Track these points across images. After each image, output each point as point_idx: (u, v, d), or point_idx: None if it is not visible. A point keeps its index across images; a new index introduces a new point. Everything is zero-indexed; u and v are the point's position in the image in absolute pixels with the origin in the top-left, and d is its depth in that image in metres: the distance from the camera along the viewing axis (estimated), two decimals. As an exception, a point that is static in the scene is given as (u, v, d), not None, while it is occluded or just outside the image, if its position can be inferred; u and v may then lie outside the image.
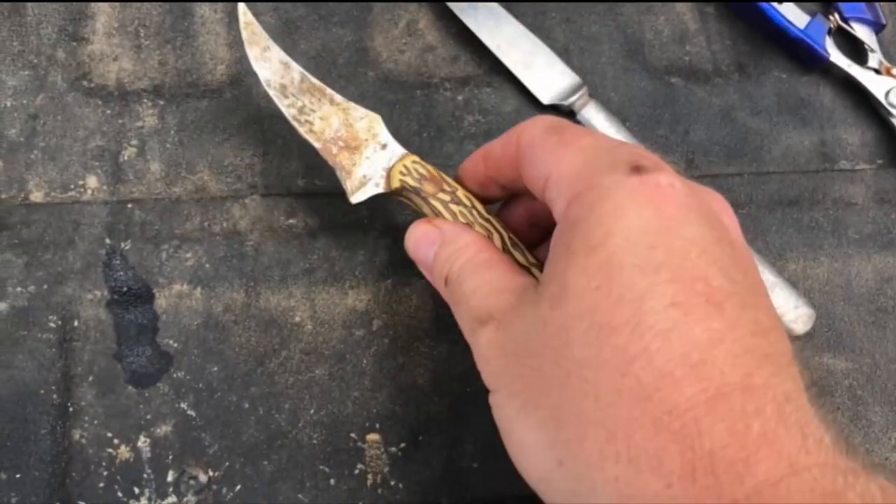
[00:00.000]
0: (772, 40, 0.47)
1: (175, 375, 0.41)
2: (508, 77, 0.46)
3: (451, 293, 0.33)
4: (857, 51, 0.47)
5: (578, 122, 0.44)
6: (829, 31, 0.47)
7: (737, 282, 0.25)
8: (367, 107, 0.45)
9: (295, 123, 0.39)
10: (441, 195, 0.38)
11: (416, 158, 0.39)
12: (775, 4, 0.46)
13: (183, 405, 0.40)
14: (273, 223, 0.42)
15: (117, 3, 0.46)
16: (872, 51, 0.47)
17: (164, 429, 0.40)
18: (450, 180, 0.38)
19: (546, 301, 0.27)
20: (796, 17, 0.47)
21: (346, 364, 0.41)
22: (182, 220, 0.42)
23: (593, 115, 0.44)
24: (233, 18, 0.46)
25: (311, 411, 0.41)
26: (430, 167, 0.38)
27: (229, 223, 0.43)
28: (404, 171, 0.38)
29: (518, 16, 0.47)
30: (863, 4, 0.47)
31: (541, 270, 0.35)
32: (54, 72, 0.44)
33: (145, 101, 0.44)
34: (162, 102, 0.44)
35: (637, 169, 0.27)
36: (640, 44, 0.47)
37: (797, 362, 0.25)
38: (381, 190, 0.39)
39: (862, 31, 0.47)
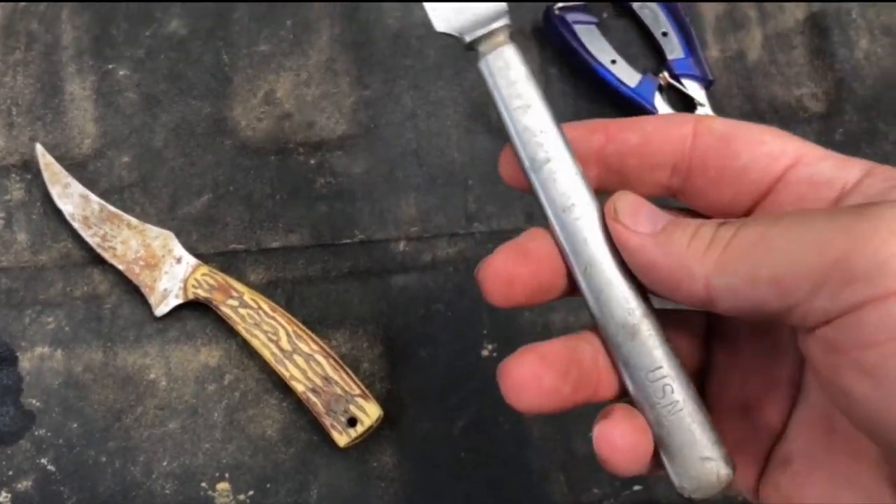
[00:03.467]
0: (608, 98, 0.51)
1: (37, 433, 0.44)
2: (360, 139, 0.50)
3: None
4: (688, 106, 0.51)
5: (481, 72, 0.28)
6: (660, 89, 0.50)
7: None
8: (223, 173, 0.49)
9: (100, 251, 0.45)
10: (230, 301, 0.44)
11: (207, 270, 0.45)
12: (608, 65, 0.50)
13: (43, 460, 0.43)
14: (129, 286, 0.46)
15: (-9, 84, 0.49)
16: (701, 105, 0.51)
17: (24, 484, 0.43)
18: (238, 286, 0.44)
19: None
20: (629, 75, 0.50)
21: (198, 417, 0.45)
22: (46, 286, 0.46)
23: (503, 67, 0.27)
24: (100, 94, 0.50)
25: (165, 463, 0.44)
26: (218, 276, 0.44)
27: (89, 287, 0.46)
28: (196, 283, 0.44)
29: (369, 84, 0.51)
30: (690, 61, 0.51)
31: (326, 356, 0.43)
32: (-71, 151, 0.48)
33: (13, 175, 0.48)
34: (29, 176, 0.48)
35: None
36: (485, 106, 0.51)
37: None
38: (180, 300, 0.45)
39: (692, 87, 0.51)
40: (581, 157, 0.27)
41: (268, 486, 0.44)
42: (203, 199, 0.48)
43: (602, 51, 0.51)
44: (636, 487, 0.45)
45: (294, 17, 0.52)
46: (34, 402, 0.44)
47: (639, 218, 0.25)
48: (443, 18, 0.28)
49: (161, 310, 0.45)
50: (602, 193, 0.27)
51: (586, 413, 0.46)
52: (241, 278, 0.46)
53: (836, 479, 0.25)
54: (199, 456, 0.44)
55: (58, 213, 0.46)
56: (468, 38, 0.27)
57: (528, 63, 0.27)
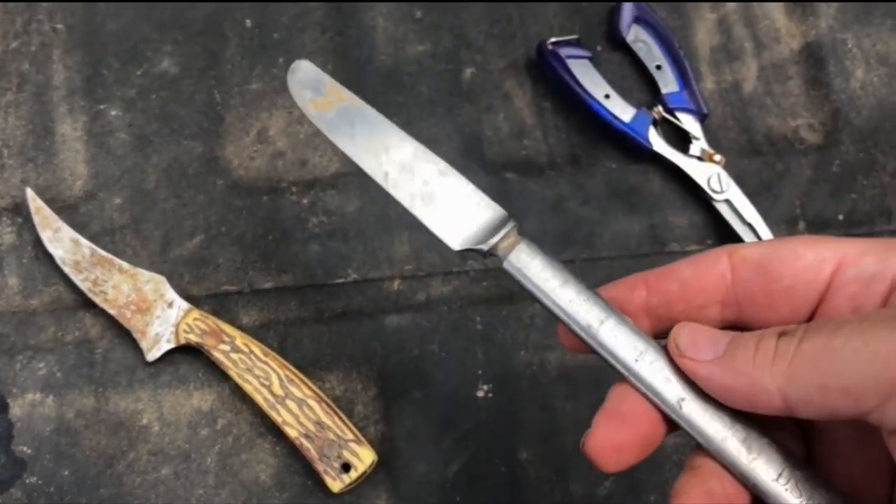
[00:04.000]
0: (602, 132, 0.51)
1: (28, 481, 0.44)
2: (353, 178, 0.49)
3: None
4: (683, 139, 0.51)
5: (507, 272, 0.30)
6: (655, 123, 0.50)
7: None
8: (215, 214, 0.48)
9: (91, 295, 0.45)
10: (221, 346, 0.44)
11: (198, 314, 0.44)
12: (602, 99, 0.50)
13: (35, 509, 0.43)
14: (121, 330, 0.45)
15: (-17, 126, 0.49)
16: (696, 138, 0.50)
17: (15, 533, 0.43)
18: (229, 330, 0.44)
19: None
20: (622, 110, 0.50)
21: (191, 463, 0.44)
22: (37, 331, 0.46)
23: (526, 261, 0.30)
24: (92, 135, 0.49)
25: (157, 510, 0.43)
26: (210, 320, 0.44)
27: (81, 332, 0.46)
28: (187, 328, 0.44)
29: (361, 120, 0.51)
30: (685, 94, 0.51)
31: (319, 400, 0.43)
32: (-80, 195, 0.48)
33: (4, 219, 0.48)
34: (20, 220, 0.47)
35: None
36: (479, 141, 0.51)
37: None
38: (172, 345, 0.44)
39: (687, 121, 0.51)
40: (630, 314, 0.29)
41: (261, 532, 0.44)
42: (195, 241, 0.48)
43: (596, 85, 0.51)
44: (635, 529, 0.45)
45: (286, 55, 0.52)
46: (25, 449, 0.44)
47: (699, 347, 0.26)
48: (458, 239, 0.32)
49: (153, 354, 0.44)
50: (659, 340, 0.29)
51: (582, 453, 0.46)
52: (233, 320, 0.46)
53: None
54: (192, 502, 0.44)
55: (49, 257, 0.46)
56: (486, 248, 0.31)
57: (544, 250, 0.30)
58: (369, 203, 0.49)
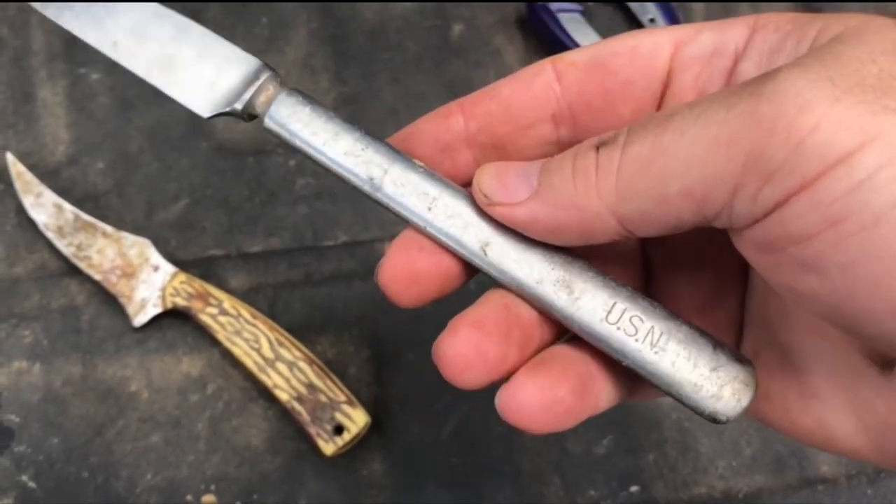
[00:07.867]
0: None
1: (16, 450, 0.43)
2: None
3: None
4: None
5: (269, 131, 0.25)
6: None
7: None
8: (199, 176, 0.48)
9: (76, 261, 0.44)
10: (209, 309, 0.43)
11: (185, 277, 0.44)
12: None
13: (24, 478, 0.43)
14: (107, 296, 0.45)
15: (-40, 93, 0.49)
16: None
17: (5, 502, 0.42)
18: (217, 293, 0.44)
19: None
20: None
21: (182, 429, 0.44)
22: (21, 299, 0.45)
23: (288, 113, 0.25)
24: (73, 100, 0.49)
25: (148, 477, 0.43)
26: (197, 283, 0.44)
27: (66, 299, 0.45)
28: (174, 292, 0.43)
29: (348, 79, 0.50)
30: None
31: (310, 362, 0.43)
32: None
33: (-15, 185, 0.47)
34: (2, 186, 0.47)
35: None
36: (468, 99, 0.50)
37: None
38: (159, 310, 0.44)
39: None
40: (448, 146, 0.25)
41: (255, 497, 0.43)
42: (180, 205, 0.47)
43: (588, 40, 0.50)
44: (633, 488, 0.45)
45: (269, 14, 0.51)
46: (13, 417, 0.44)
47: (510, 187, 0.23)
48: (205, 104, 0.26)
49: (139, 319, 0.44)
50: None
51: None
52: (221, 285, 0.45)
53: (806, 358, 0.23)
54: (183, 468, 0.44)
55: (32, 223, 0.46)
56: (240, 107, 0.25)
57: (311, 99, 0.25)
58: (358, 164, 0.49)
